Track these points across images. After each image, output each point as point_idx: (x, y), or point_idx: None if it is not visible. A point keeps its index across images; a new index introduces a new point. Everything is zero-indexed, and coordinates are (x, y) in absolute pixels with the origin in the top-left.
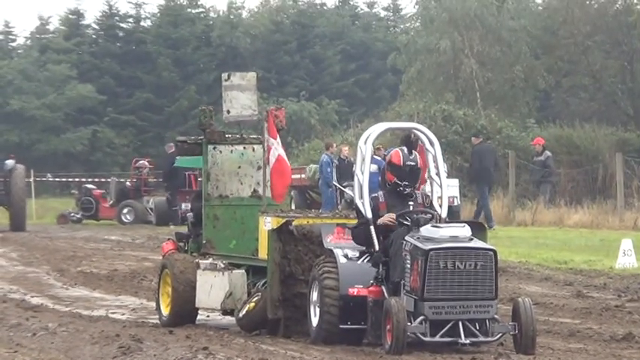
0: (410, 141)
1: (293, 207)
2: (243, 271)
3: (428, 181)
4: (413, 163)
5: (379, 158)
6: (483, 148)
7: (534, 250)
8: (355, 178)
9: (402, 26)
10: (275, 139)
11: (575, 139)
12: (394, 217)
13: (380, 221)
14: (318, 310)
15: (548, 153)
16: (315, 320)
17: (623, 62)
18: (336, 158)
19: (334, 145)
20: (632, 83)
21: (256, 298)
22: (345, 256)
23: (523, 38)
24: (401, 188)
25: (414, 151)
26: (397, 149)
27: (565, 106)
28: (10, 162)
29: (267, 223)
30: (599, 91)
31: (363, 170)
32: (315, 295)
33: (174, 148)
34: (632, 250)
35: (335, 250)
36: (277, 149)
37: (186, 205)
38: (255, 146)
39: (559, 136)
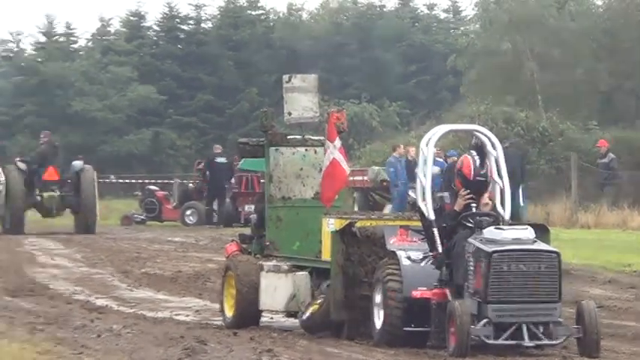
0: (482, 150)
1: (356, 209)
2: (307, 273)
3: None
4: (483, 179)
5: (441, 160)
6: (509, 152)
7: (598, 253)
8: (417, 181)
9: (462, 28)
10: (332, 142)
11: (637, 140)
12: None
13: (457, 207)
14: (381, 312)
15: (612, 155)
16: (378, 323)
17: None
18: (404, 159)
19: (401, 146)
20: None
21: (320, 300)
22: (409, 258)
23: (584, 40)
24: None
25: (486, 162)
26: (468, 156)
27: (627, 108)
28: (78, 163)
29: (330, 225)
30: None
31: (426, 172)
32: (378, 298)
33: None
34: None
35: (398, 252)
36: (333, 153)
37: (249, 207)
38: (317, 148)
39: (621, 138)
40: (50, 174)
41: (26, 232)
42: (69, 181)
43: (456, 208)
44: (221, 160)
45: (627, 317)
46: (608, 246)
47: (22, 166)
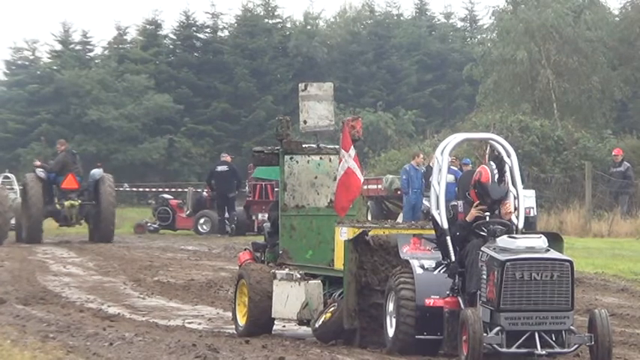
0: (501, 161)
1: (369, 217)
2: (320, 281)
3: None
4: (499, 196)
5: (455, 169)
6: None
7: (611, 261)
8: (432, 189)
9: (478, 37)
10: (347, 151)
11: None
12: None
13: (469, 218)
14: (394, 320)
15: (627, 164)
16: (391, 331)
17: None
18: (422, 168)
19: (420, 155)
20: None
21: (332, 309)
22: (422, 266)
23: (600, 49)
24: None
25: (504, 175)
26: (486, 168)
27: None
28: (97, 171)
29: (343, 234)
30: None
31: (440, 181)
32: (391, 306)
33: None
34: None
35: (411, 261)
36: (347, 162)
37: (263, 215)
38: (332, 156)
39: (636, 146)
40: (69, 182)
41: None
42: (88, 189)
43: (468, 218)
44: (222, 168)
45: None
46: (622, 255)
47: (42, 173)
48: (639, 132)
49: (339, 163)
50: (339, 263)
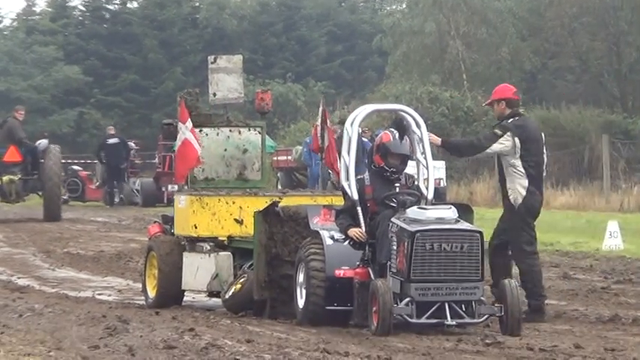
0: (402, 125)
1: (279, 188)
2: (229, 253)
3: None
4: (403, 152)
5: (367, 140)
6: None
7: None
8: (342, 160)
9: (387, 8)
10: (184, 123)
11: (561, 121)
12: (363, 234)
13: (350, 233)
14: (304, 291)
15: None
16: (301, 302)
17: (610, 44)
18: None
19: None
20: (619, 65)
21: (242, 280)
22: (332, 237)
23: (509, 20)
24: (388, 174)
25: (405, 137)
26: (388, 132)
27: (551, 88)
28: (43, 142)
29: (182, 202)
30: (586, 73)
31: (350, 152)
32: (301, 277)
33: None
34: (619, 232)
35: (321, 232)
36: (185, 133)
37: (172, 187)
38: (242, 129)
39: (545, 118)
40: (11, 154)
41: None
42: (30, 162)
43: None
44: (113, 141)
45: (549, 296)
46: None
47: None
48: (549, 103)
49: (177, 135)
50: (178, 229)
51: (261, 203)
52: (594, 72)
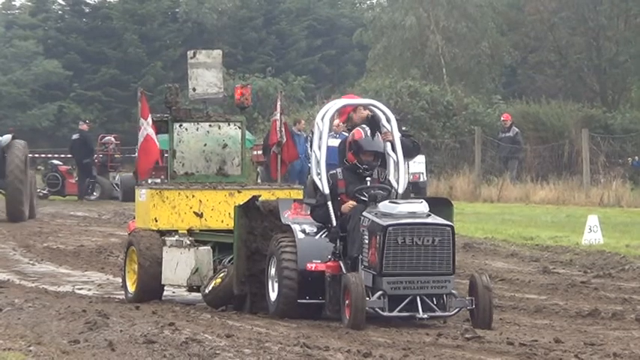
0: (374, 121)
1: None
2: (209, 247)
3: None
4: (375, 149)
5: (346, 134)
6: None
7: (500, 227)
8: (312, 155)
9: (368, 2)
10: (145, 119)
11: (541, 115)
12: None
13: (344, 209)
14: (276, 284)
15: (516, 129)
16: (273, 295)
17: (589, 39)
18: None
19: (302, 121)
20: (598, 60)
21: (222, 275)
22: (303, 231)
23: (489, 14)
24: (360, 171)
25: (377, 133)
26: (360, 129)
27: (531, 82)
28: (6, 137)
29: (142, 196)
30: (565, 68)
31: (321, 146)
32: (273, 270)
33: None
34: (598, 227)
35: (293, 226)
36: (146, 129)
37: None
38: (221, 124)
39: (525, 112)
40: None
41: None
42: None
43: (343, 210)
44: (75, 136)
45: (529, 290)
46: (511, 220)
47: None
48: (528, 97)
49: (139, 131)
50: (139, 222)
51: (221, 197)
52: (574, 66)
